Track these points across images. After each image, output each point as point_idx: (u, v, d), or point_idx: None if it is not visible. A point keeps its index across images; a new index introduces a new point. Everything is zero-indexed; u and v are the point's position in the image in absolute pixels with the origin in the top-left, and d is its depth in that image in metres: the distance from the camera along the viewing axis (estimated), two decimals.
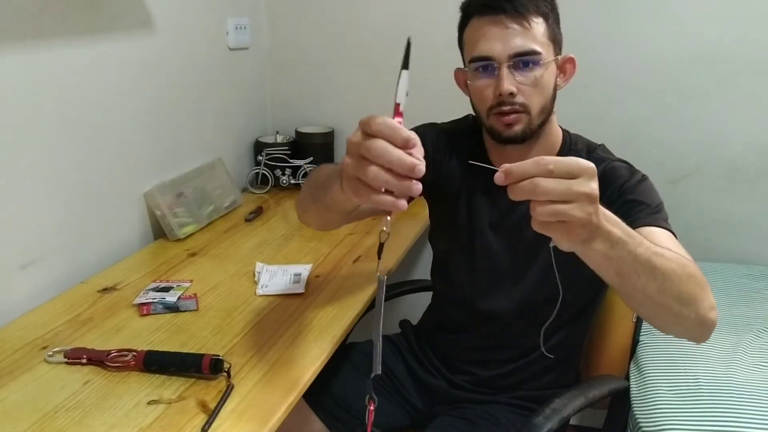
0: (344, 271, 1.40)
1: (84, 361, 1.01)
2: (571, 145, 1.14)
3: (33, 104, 1.21)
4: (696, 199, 1.79)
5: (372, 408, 0.80)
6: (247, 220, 1.70)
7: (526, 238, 1.13)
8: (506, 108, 1.03)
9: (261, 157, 1.95)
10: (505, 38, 1.01)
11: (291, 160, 1.96)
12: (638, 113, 1.79)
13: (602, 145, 1.16)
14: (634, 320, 1.31)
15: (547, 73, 1.04)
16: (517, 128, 1.04)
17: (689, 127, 1.76)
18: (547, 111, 1.07)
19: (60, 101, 1.27)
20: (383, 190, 0.67)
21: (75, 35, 1.29)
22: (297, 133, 2.02)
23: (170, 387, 0.96)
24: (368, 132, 0.66)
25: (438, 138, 1.21)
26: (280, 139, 2.02)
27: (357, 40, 1.99)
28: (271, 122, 2.13)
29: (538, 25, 1.02)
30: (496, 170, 0.67)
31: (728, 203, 1.78)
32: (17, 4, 1.15)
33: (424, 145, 1.26)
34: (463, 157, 1.19)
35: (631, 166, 1.10)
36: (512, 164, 0.66)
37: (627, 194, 1.03)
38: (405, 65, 0.66)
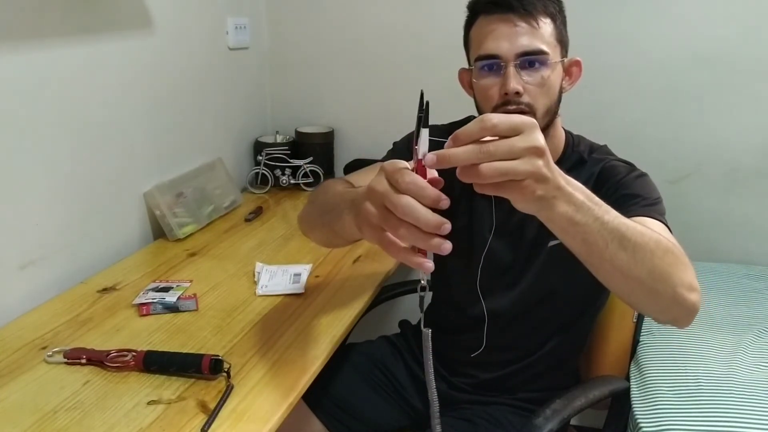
0: (344, 271, 1.40)
1: (83, 361, 1.01)
2: (574, 146, 1.13)
3: (32, 104, 1.20)
4: (696, 199, 1.79)
5: None
6: (247, 220, 1.70)
7: (526, 240, 1.13)
8: (512, 108, 1.01)
9: (261, 157, 1.95)
10: (512, 37, 1.00)
11: (291, 160, 1.96)
12: (638, 113, 1.79)
13: (605, 146, 1.16)
14: (635, 320, 1.31)
15: (554, 74, 1.03)
16: None
17: (689, 127, 1.76)
18: (552, 113, 1.06)
19: (59, 101, 1.26)
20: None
21: (74, 35, 1.29)
22: (297, 133, 2.02)
23: (170, 387, 0.96)
24: (396, 187, 0.65)
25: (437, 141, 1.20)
26: (279, 139, 2.02)
27: (357, 40, 1.98)
28: (271, 122, 2.13)
29: (546, 25, 1.02)
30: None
31: (728, 203, 1.78)
32: (17, 3, 1.14)
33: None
34: None
35: (631, 164, 1.10)
36: (458, 130, 0.64)
37: (622, 189, 1.02)
38: (425, 124, 0.64)
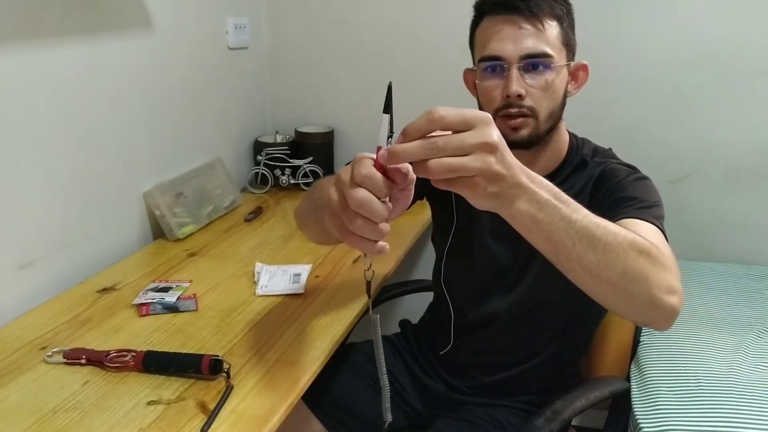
0: (344, 271, 1.40)
1: (83, 361, 1.01)
2: (577, 149, 1.13)
3: (32, 104, 1.20)
4: (696, 199, 1.79)
5: None
6: (247, 220, 1.70)
7: (524, 243, 1.13)
8: (513, 110, 1.01)
9: (260, 157, 1.95)
10: (517, 38, 0.99)
11: (291, 160, 1.96)
12: (639, 113, 1.79)
13: (609, 149, 1.15)
14: None
15: (558, 78, 1.02)
16: (524, 132, 1.02)
17: (690, 127, 1.76)
18: (556, 117, 1.05)
19: (59, 101, 1.26)
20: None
21: (74, 35, 1.29)
22: (297, 132, 2.02)
23: (169, 387, 0.95)
24: (353, 179, 0.63)
25: None
26: (279, 138, 2.01)
27: (357, 39, 1.98)
28: (271, 122, 2.13)
29: (552, 27, 1.01)
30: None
31: (729, 203, 1.78)
32: (16, 3, 1.14)
33: None
34: None
35: (634, 168, 1.08)
36: (408, 124, 0.62)
37: (619, 191, 1.00)
38: (386, 110, 0.63)
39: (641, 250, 0.75)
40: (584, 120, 1.28)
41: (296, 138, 2.01)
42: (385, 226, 0.64)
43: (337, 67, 2.03)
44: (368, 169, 0.62)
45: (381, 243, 0.65)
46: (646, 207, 0.96)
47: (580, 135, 1.17)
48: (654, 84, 1.76)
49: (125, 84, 1.45)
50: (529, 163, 1.09)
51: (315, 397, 1.23)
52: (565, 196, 0.70)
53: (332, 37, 2.00)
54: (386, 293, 1.49)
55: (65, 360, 1.01)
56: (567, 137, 1.13)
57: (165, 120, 1.60)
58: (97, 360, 1.00)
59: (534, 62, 1.00)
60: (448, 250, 1.24)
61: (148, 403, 0.92)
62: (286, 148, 1.96)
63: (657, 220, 0.93)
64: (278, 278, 1.32)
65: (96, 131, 1.37)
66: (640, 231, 0.82)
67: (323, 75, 2.05)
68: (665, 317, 0.79)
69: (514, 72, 0.99)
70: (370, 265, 0.71)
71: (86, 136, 1.34)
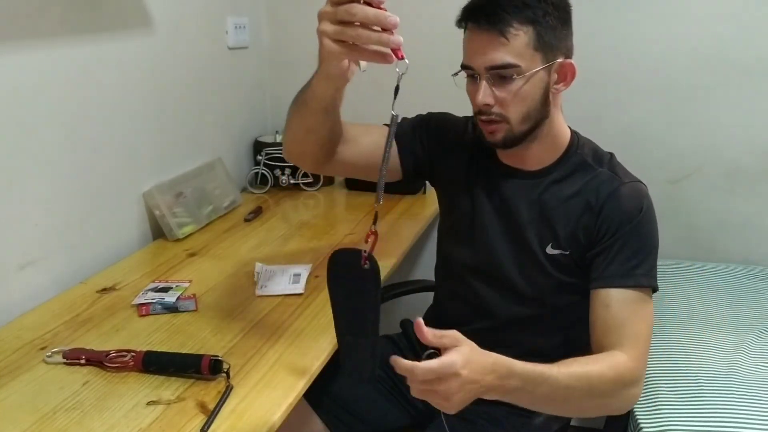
0: None
1: (83, 361, 1.01)
2: (577, 148, 1.13)
3: (32, 104, 1.20)
4: (696, 199, 1.79)
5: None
6: (247, 220, 1.70)
7: (526, 244, 1.13)
8: (484, 117, 1.06)
9: (260, 157, 1.95)
10: (481, 51, 1.02)
11: None
12: (638, 113, 1.79)
13: (612, 156, 1.14)
14: None
15: (529, 84, 1.02)
16: (498, 136, 1.07)
17: (690, 127, 1.76)
18: (534, 118, 1.06)
19: (59, 101, 1.26)
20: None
21: (74, 35, 1.29)
22: None
23: (169, 388, 0.95)
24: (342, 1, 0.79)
25: (446, 125, 1.25)
26: (279, 138, 2.01)
27: None
28: (271, 122, 2.13)
29: (519, 36, 1.00)
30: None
31: (729, 203, 1.78)
32: (17, 3, 1.14)
33: (430, 126, 1.25)
34: (469, 149, 1.21)
35: (638, 189, 1.08)
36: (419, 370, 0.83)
37: (621, 237, 1.04)
38: None
39: (599, 395, 0.92)
40: (584, 120, 1.28)
41: None
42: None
43: None
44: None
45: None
46: (640, 263, 1.02)
47: (589, 138, 1.17)
48: (654, 84, 1.76)
49: (125, 84, 1.45)
50: (524, 155, 1.12)
51: (316, 396, 1.23)
52: (529, 371, 0.88)
53: None
54: (386, 293, 1.49)
55: (65, 360, 1.01)
56: (566, 132, 1.14)
57: (165, 120, 1.60)
58: (96, 360, 1.00)
59: (500, 73, 1.02)
60: (451, 237, 1.25)
61: (148, 404, 0.92)
62: None
63: (646, 278, 1.02)
64: (278, 278, 1.32)
65: (96, 131, 1.37)
66: (611, 309, 0.99)
67: None
68: (623, 412, 0.99)
69: (483, 83, 1.03)
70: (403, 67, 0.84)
71: (86, 136, 1.34)
